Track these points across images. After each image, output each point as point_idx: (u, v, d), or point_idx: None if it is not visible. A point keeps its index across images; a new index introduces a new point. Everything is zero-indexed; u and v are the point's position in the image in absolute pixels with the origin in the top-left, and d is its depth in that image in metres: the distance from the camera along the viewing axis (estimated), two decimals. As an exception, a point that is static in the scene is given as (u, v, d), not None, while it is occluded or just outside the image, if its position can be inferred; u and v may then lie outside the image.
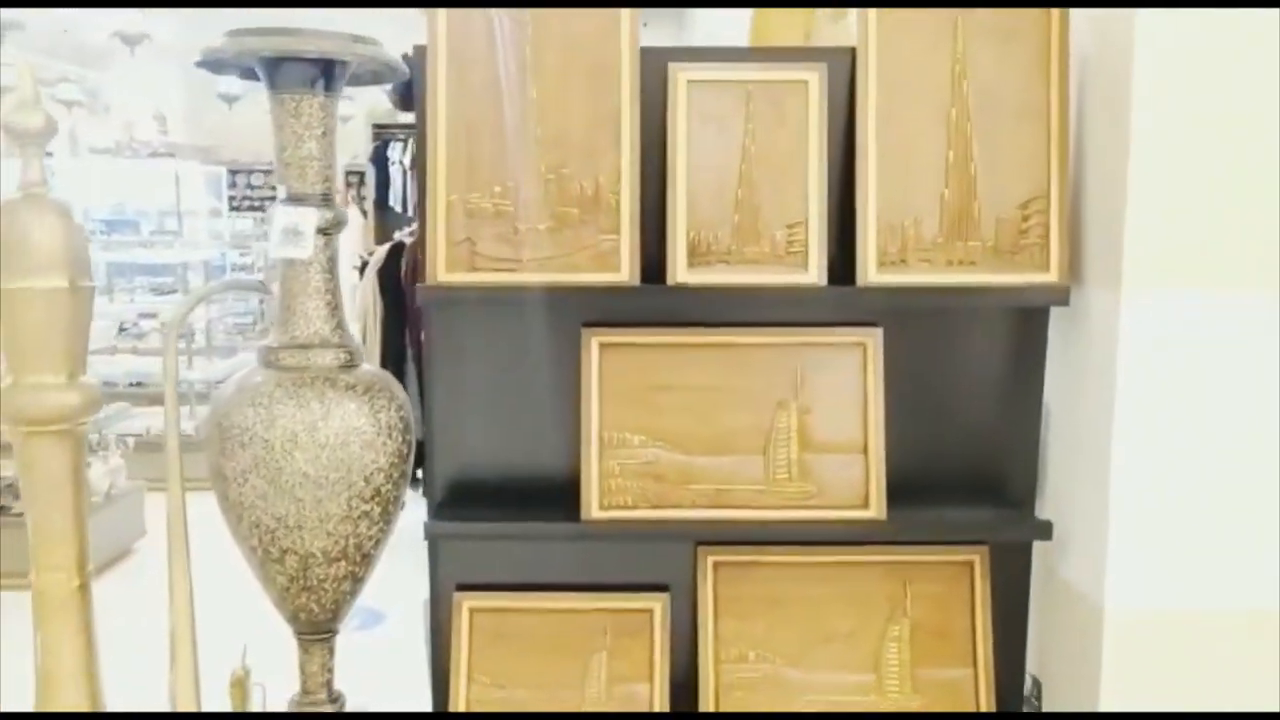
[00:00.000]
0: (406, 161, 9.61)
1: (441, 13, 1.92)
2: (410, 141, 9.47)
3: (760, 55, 1.93)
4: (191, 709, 2.07)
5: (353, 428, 1.97)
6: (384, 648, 3.71)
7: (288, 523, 1.96)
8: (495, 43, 1.94)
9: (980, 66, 1.94)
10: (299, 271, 2.03)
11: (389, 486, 2.03)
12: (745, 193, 1.96)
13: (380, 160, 9.78)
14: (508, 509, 2.09)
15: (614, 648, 2.09)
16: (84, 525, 2.05)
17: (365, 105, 10.30)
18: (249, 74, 2.08)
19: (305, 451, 1.93)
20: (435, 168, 1.94)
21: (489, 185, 1.94)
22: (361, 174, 20.57)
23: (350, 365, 2.06)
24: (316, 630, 2.12)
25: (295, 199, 2.02)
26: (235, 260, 9.39)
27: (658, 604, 2.09)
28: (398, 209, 9.75)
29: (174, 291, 7.31)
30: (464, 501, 2.11)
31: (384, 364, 4.41)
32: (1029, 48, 1.94)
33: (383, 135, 9.85)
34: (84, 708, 2.05)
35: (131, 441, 4.72)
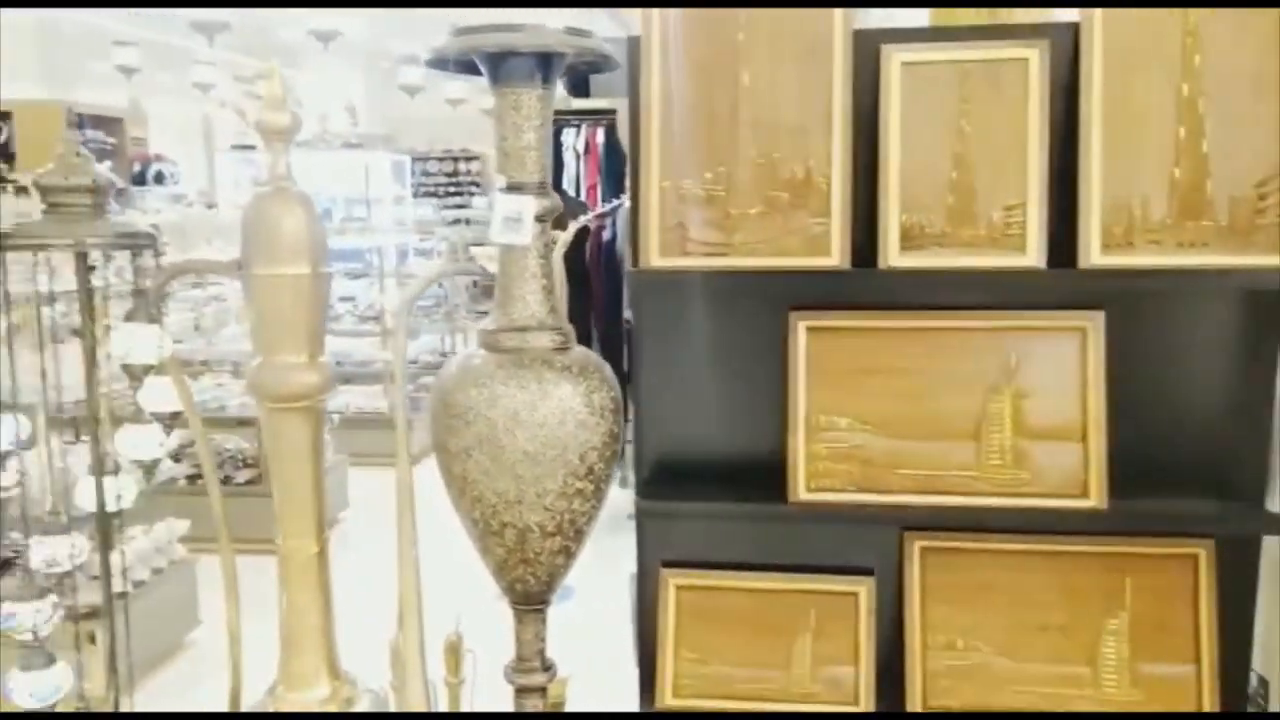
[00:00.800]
0: (580, 147, 9.79)
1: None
2: (584, 127, 9.65)
3: (978, 34, 1.89)
4: (417, 672, 2.19)
5: (568, 408, 2.04)
6: (577, 621, 3.83)
7: (507, 498, 2.05)
8: (707, 30, 1.96)
9: (1213, 38, 1.85)
10: (517, 257, 2.11)
11: (601, 465, 2.10)
12: (960, 174, 1.93)
13: (557, 146, 9.99)
14: (712, 489, 2.13)
15: (818, 629, 2.10)
16: (322, 495, 2.20)
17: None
18: (470, 70, 2.17)
19: (525, 430, 2.02)
20: (648, 155, 1.99)
21: (700, 171, 1.98)
22: (531, 160, 20.80)
23: (564, 348, 2.13)
24: (530, 601, 2.21)
25: (514, 187, 2.10)
26: (416, 245, 9.81)
27: (863, 588, 2.09)
28: (570, 193, 9.94)
29: (364, 275, 7.70)
30: (670, 480, 2.16)
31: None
32: (1267, 17, 1.84)
33: (557, 121, 10.06)
34: (322, 665, 2.20)
35: (336, 418, 5.02)
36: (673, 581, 2.15)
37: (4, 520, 2.36)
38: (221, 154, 9.84)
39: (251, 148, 9.53)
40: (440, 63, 2.14)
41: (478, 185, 20.82)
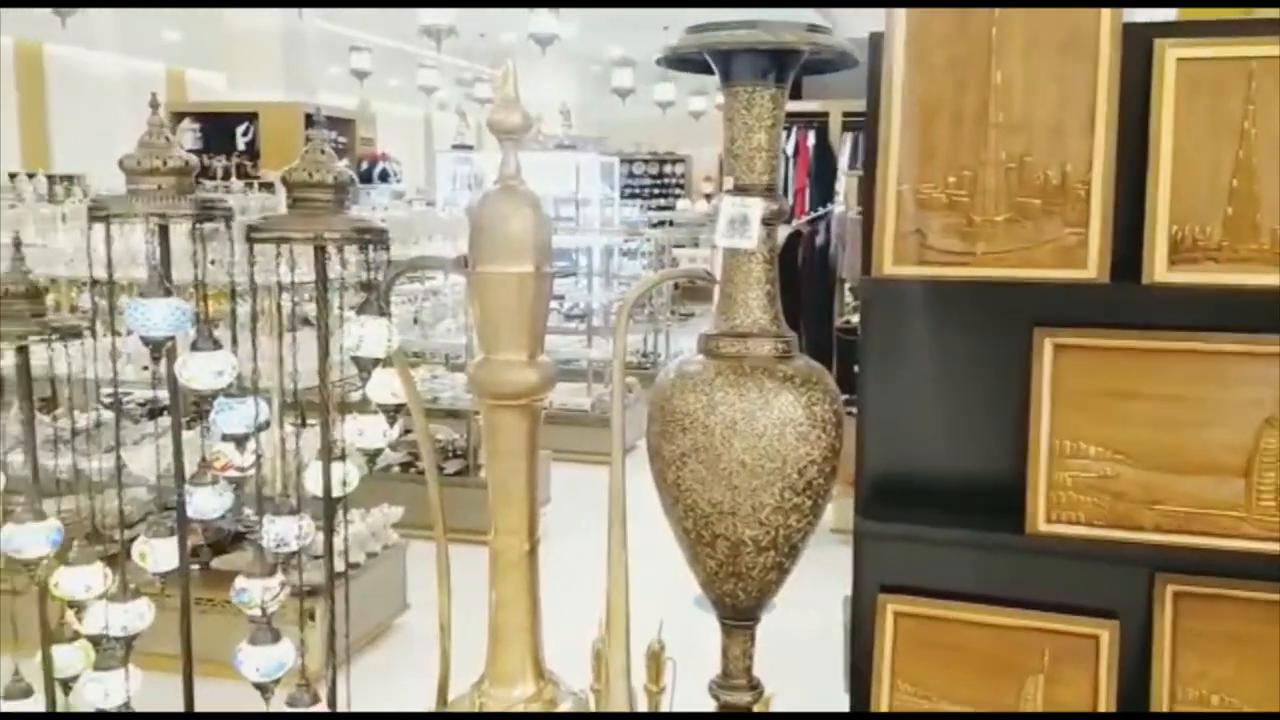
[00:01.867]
0: (789, 150, 9.65)
1: (902, -4, 1.85)
2: (795, 129, 9.50)
3: (1272, 28, 1.69)
4: (621, 677, 2.16)
5: (789, 419, 1.96)
6: (774, 638, 3.68)
7: (722, 508, 1.99)
8: (958, 26, 1.84)
9: None
10: (741, 261, 2.05)
11: (820, 480, 2.01)
12: (1242, 182, 1.73)
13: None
14: (937, 512, 2.00)
15: (1052, 673, 1.94)
16: (535, 493, 2.20)
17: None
18: (700, 68, 2.12)
19: (743, 439, 1.95)
20: (886, 156, 1.88)
21: (943, 174, 1.86)
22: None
23: (786, 356, 2.05)
24: (739, 616, 2.15)
25: (741, 189, 2.03)
26: (621, 245, 9.92)
27: (1105, 631, 1.91)
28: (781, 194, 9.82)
29: (572, 274, 7.84)
30: (892, 500, 2.05)
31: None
32: None
33: (766, 124, 9.94)
34: (528, 664, 2.20)
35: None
36: (891, 608, 2.03)
37: (241, 497, 2.49)
38: (440, 154, 10.24)
39: (469, 148, 9.87)
40: (671, 61, 2.10)
41: (681, 188, 20.98)
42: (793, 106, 9.68)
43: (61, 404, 3.58)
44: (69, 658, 2.59)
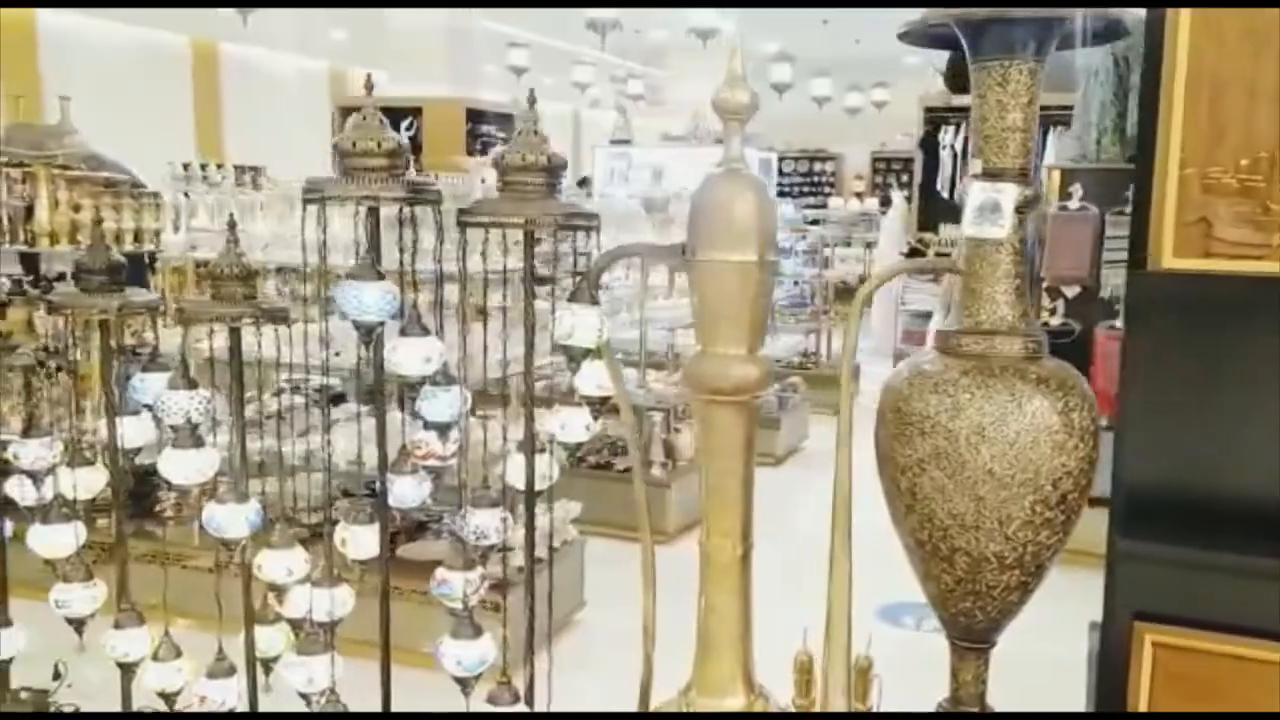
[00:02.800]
0: (958, 146, 9.28)
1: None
2: (963, 125, 9.14)
3: None
4: (841, 693, 2.02)
5: (1043, 425, 1.79)
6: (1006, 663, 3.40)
7: (964, 521, 1.83)
8: (1259, -13, 1.63)
9: None
10: (987, 252, 1.88)
11: (1075, 495, 1.83)
12: None
13: (929, 145, 9.54)
14: (1203, 534, 1.79)
15: (1344, 721, 1.71)
16: (751, 494, 2.08)
17: (915, 89, 10.11)
18: (944, 44, 1.96)
19: (992, 447, 1.78)
20: (1166, 137, 1.69)
21: (1234, 156, 1.65)
22: (893, 160, 20.32)
23: (1035, 356, 1.88)
24: (972, 638, 1.98)
25: (992, 174, 1.87)
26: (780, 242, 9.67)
27: None
28: (944, 195, 9.45)
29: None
30: (1152, 519, 1.84)
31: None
32: None
33: (934, 119, 9.58)
34: (738, 674, 2.09)
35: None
36: (1149, 637, 1.83)
37: (439, 487, 2.46)
38: (598, 149, 10.25)
39: (627, 142, 9.84)
40: (915, 36, 1.94)
41: (831, 186, 20.59)
42: (960, 100, 9.31)
43: (254, 388, 3.65)
44: (270, 639, 2.61)
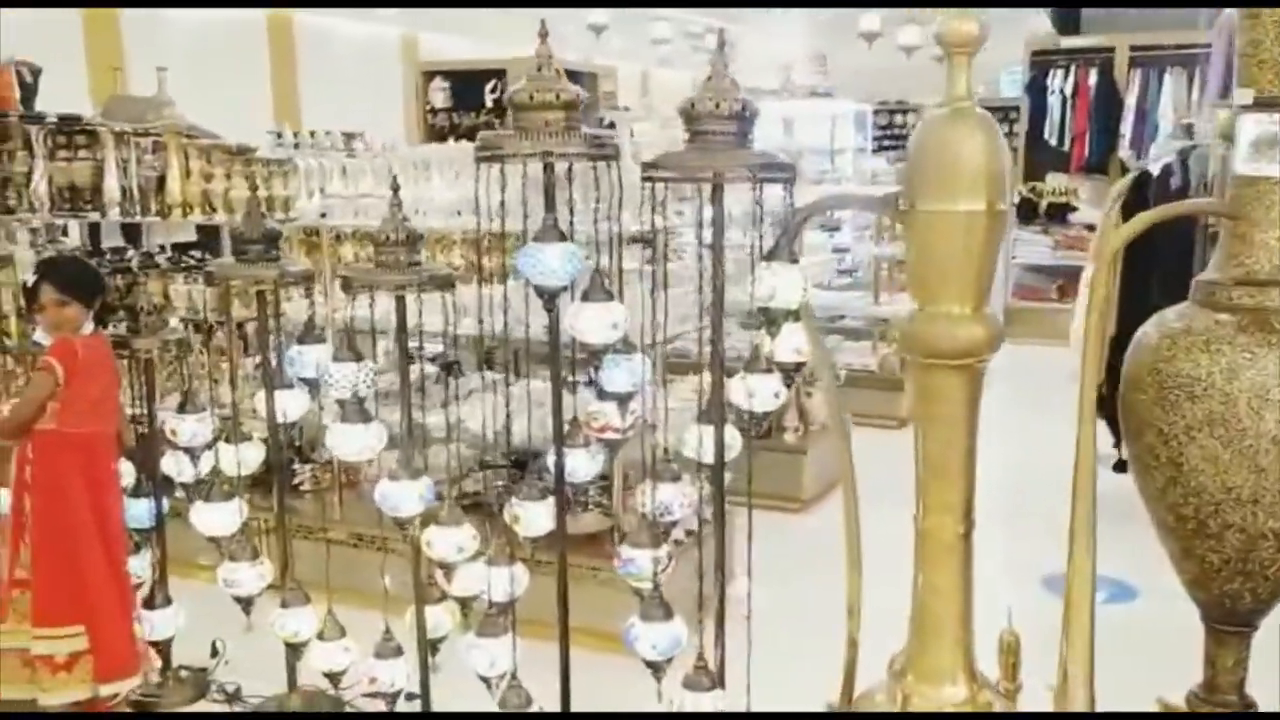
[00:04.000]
0: (1067, 90, 8.87)
1: None
2: (1074, 68, 8.73)
3: None
4: (1082, 681, 1.85)
5: (1337, 387, 1.59)
6: (1141, 631, 3.24)
7: (1239, 495, 1.64)
8: None
9: None
10: (1261, 192, 1.67)
11: (1372, 464, 1.62)
12: None
13: (1036, 90, 9.12)
14: None
15: None
16: (974, 468, 1.91)
17: (1022, 32, 9.66)
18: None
19: (1277, 412, 1.59)
20: None
21: None
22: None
23: (1317, 309, 1.67)
24: (1234, 621, 1.80)
25: (1266, 104, 1.65)
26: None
27: None
28: (1052, 143, 9.06)
29: (836, 229, 7.45)
30: None
31: (1122, 319, 3.85)
32: None
33: (1041, 63, 9.14)
34: (959, 663, 1.93)
35: (842, 374, 4.80)
36: None
37: (615, 461, 2.33)
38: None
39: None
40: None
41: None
42: (1070, 42, 8.91)
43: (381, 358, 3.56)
44: (436, 619, 2.52)
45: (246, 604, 2.55)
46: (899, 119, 21.37)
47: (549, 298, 2.08)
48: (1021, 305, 8.23)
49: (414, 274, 2.26)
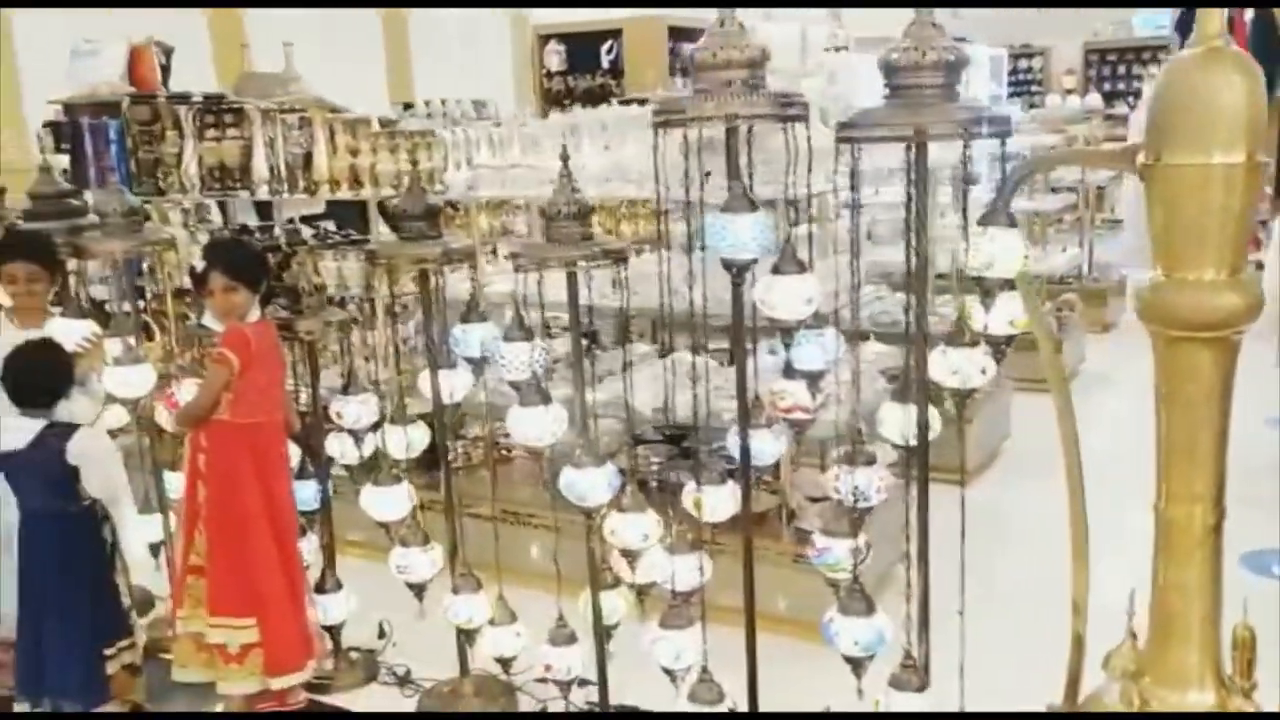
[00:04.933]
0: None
1: None
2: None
3: None
4: None
5: None
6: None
7: None
8: None
9: None
10: None
11: None
12: None
13: (1187, 28, 8.50)
14: None
15: None
16: (1225, 452, 1.70)
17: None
18: None
19: None
20: None
21: None
22: (1108, 52, 18.70)
23: None
24: None
25: None
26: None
27: None
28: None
29: (975, 183, 7.11)
30: None
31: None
32: None
33: (1191, -2, 8.53)
34: (1207, 665, 1.74)
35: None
36: None
37: (802, 441, 2.20)
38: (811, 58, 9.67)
39: (844, 49, 9.23)
40: None
41: (1039, 84, 19.15)
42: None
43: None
44: (610, 604, 2.43)
45: (419, 590, 2.50)
46: (1022, 63, 20.38)
47: (738, 271, 1.94)
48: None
49: (588, 248, 2.15)
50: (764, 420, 2.18)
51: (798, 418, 2.13)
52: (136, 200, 2.81)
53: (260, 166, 3.51)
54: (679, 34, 10.58)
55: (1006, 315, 1.86)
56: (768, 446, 2.19)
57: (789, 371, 2.11)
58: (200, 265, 2.41)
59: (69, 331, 2.62)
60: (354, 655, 2.83)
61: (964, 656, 1.89)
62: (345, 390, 2.60)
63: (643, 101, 7.19)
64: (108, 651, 2.55)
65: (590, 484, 2.15)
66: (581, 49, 10.85)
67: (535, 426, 2.17)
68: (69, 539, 2.52)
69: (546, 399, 2.18)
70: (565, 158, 2.18)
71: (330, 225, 4.91)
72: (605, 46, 10.75)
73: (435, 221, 2.39)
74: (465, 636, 2.52)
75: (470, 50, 11.99)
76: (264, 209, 4.52)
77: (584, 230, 2.17)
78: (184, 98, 3.85)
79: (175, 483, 2.98)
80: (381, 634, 2.91)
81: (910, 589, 1.96)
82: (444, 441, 2.53)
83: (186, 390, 2.54)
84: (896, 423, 2.04)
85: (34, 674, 2.58)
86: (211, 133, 3.61)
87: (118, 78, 4.99)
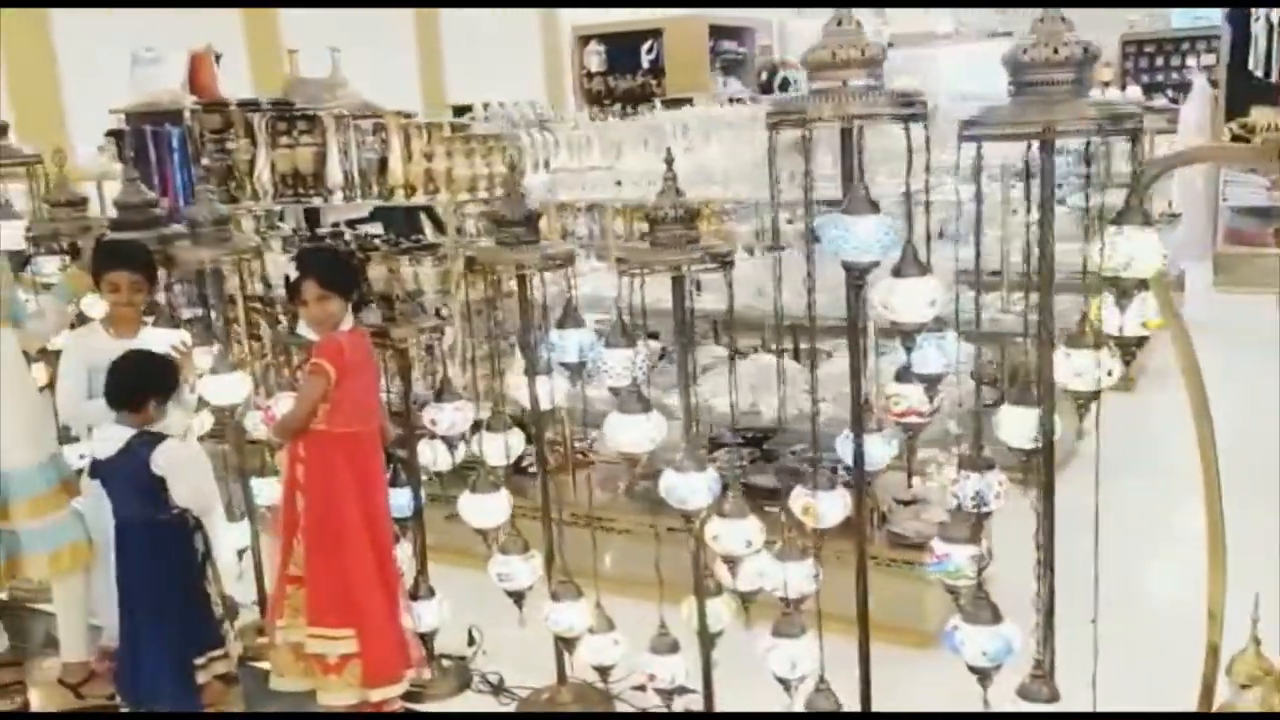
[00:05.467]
0: (1275, 17, 8.13)
1: None
2: (1283, -9, 7.98)
3: None
4: None
5: None
6: None
7: None
8: None
9: None
10: None
11: None
12: None
13: (1239, 18, 8.39)
14: None
15: None
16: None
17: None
18: None
19: None
20: None
21: None
22: (1146, 43, 18.31)
23: None
24: None
25: None
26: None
27: None
28: (1257, 74, 8.33)
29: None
30: None
31: None
32: None
33: (1258, -14, 8.37)
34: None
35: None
36: None
37: (914, 447, 2.17)
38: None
39: (889, 45, 9.17)
40: None
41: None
42: (1282, -39, 8.13)
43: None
44: (713, 611, 2.41)
45: (518, 598, 2.48)
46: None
47: (858, 274, 1.91)
48: (1233, 251, 7.61)
49: (693, 251, 2.12)
50: (874, 424, 2.15)
51: (912, 422, 2.09)
52: (225, 209, 2.82)
53: (335, 172, 3.51)
54: (720, 33, 10.54)
55: (1139, 317, 1.82)
56: (878, 450, 2.16)
57: (903, 374, 2.08)
58: (294, 274, 2.40)
59: (161, 341, 2.62)
60: (445, 663, 2.82)
61: (1097, 666, 1.85)
62: (439, 397, 2.58)
63: (685, 102, 7.17)
64: (199, 661, 2.55)
65: (691, 488, 2.13)
66: (622, 49, 10.83)
67: (635, 434, 2.15)
68: (160, 547, 2.52)
69: (647, 406, 2.16)
70: (670, 160, 2.16)
71: (377, 229, 4.93)
72: (645, 46, 10.72)
73: (534, 226, 2.37)
74: (565, 645, 2.49)
75: (501, 50, 11.96)
76: (311, 215, 4.53)
77: (690, 233, 2.14)
78: (253, 104, 3.85)
79: (263, 490, 2.99)
80: (471, 641, 2.89)
81: (1038, 597, 1.92)
82: (541, 448, 2.52)
83: (283, 403, 2.53)
84: (1017, 426, 2.00)
85: (130, 681, 2.60)
86: (284, 139, 3.61)
87: (179, 86, 5.02)
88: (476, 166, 3.36)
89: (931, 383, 2.02)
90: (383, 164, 3.46)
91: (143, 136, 4.83)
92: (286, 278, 2.42)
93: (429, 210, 5.53)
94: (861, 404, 2.11)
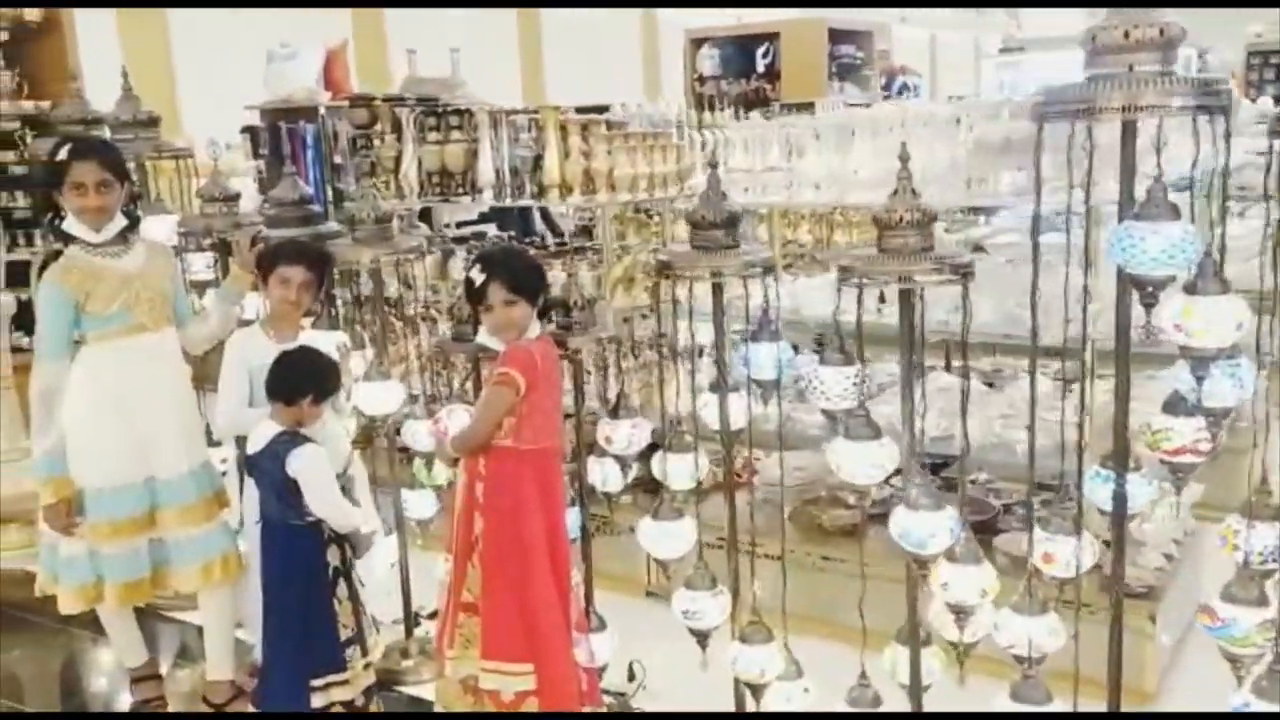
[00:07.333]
0: None
1: None
2: None
3: None
4: None
5: None
6: None
7: None
8: None
9: None
10: None
11: None
12: None
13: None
14: None
15: None
16: None
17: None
18: None
19: None
20: None
21: None
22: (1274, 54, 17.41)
23: None
24: None
25: None
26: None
27: None
28: None
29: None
30: None
31: None
32: None
33: None
34: None
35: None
36: None
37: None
38: (986, 60, 9.26)
39: (1018, 49, 8.81)
40: None
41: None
42: None
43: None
44: (925, 663, 2.16)
45: (703, 638, 2.25)
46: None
47: (1150, 290, 1.65)
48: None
49: (930, 261, 1.88)
50: (1133, 462, 1.88)
51: (1183, 461, 1.81)
52: (387, 206, 2.65)
53: (487, 169, 3.33)
54: (839, 36, 10.22)
55: None
56: (1139, 492, 1.88)
57: (1174, 405, 1.80)
58: (477, 276, 2.21)
59: (323, 343, 2.47)
60: (607, 699, 2.61)
61: None
62: (615, 413, 2.38)
63: (806, 107, 6.88)
64: (315, 682, 2.41)
65: (930, 530, 1.87)
66: (736, 53, 10.58)
67: (865, 463, 1.90)
68: (289, 552, 2.41)
69: (877, 433, 1.92)
70: (905, 158, 1.92)
71: (493, 230, 4.78)
72: (761, 50, 10.46)
73: (734, 230, 2.14)
74: (753, 691, 2.26)
75: (602, 56, 11.84)
76: (424, 216, 4.39)
77: (925, 240, 1.90)
78: (400, 100, 3.71)
79: (414, 503, 2.83)
80: (631, 676, 2.68)
81: None
82: (730, 471, 2.29)
83: (456, 415, 2.34)
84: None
85: (259, 694, 2.51)
86: (434, 135, 3.45)
87: (314, 81, 4.94)
88: (639, 165, 3.16)
89: (1218, 417, 1.74)
90: (537, 161, 3.27)
91: (277, 133, 4.76)
92: (468, 280, 2.24)
93: (544, 212, 5.38)
94: (1126, 438, 1.85)
